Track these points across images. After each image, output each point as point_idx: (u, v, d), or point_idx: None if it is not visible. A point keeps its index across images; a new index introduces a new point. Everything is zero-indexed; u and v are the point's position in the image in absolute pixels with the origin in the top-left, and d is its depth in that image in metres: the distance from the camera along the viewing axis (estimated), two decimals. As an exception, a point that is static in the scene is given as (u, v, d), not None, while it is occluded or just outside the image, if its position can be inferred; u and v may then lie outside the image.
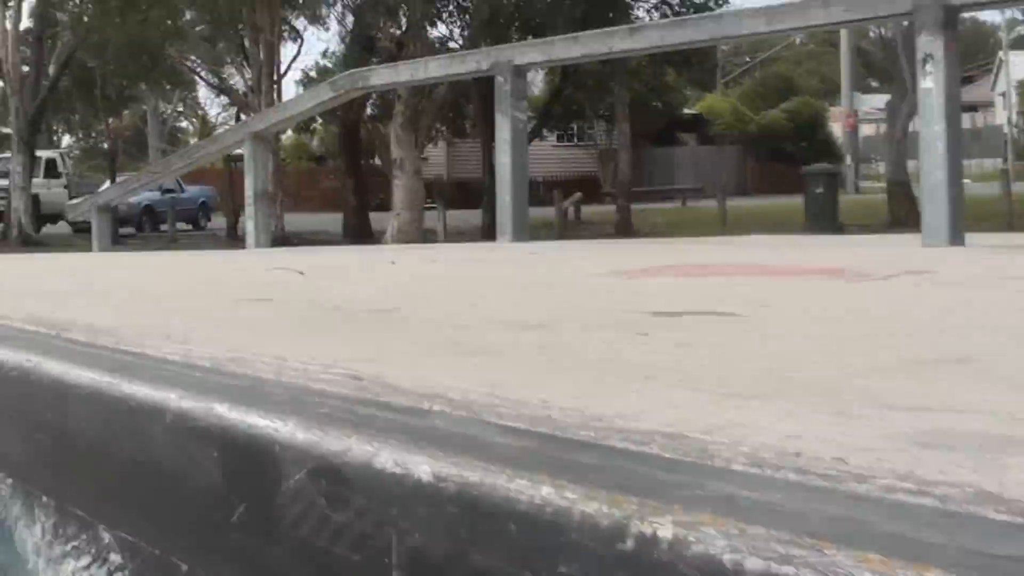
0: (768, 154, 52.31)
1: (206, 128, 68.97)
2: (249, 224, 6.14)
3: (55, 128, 52.03)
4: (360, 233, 28.77)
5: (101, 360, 1.59)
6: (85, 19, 29.32)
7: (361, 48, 28.75)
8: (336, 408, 1.15)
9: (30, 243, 28.62)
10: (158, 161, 8.28)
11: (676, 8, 30.39)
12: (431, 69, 5.69)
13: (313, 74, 38.66)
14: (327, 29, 34.55)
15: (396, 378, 1.36)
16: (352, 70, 6.94)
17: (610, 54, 5.34)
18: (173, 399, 1.27)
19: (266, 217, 6.20)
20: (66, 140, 60.80)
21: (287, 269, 2.84)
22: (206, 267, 3.85)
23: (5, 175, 32.84)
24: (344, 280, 2.87)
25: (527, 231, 4.86)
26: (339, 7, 32.13)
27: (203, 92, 55.17)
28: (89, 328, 2.01)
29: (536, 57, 5.16)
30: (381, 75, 6.54)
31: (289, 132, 34.27)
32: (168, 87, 40.21)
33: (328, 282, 2.74)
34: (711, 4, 30.20)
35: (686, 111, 53.60)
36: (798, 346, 1.81)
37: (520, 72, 4.79)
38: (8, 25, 29.85)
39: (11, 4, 30.13)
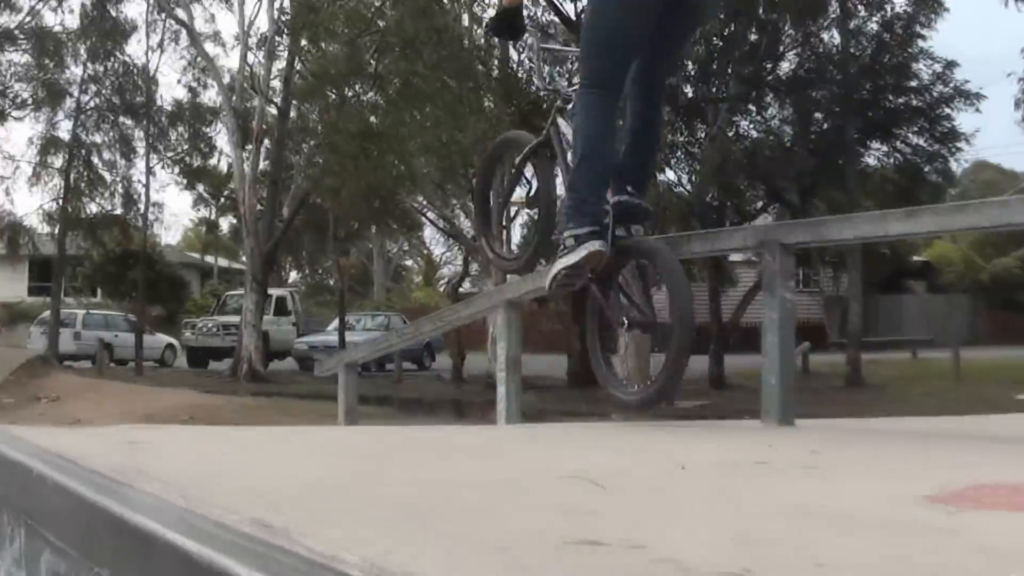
0: (1000, 303, 50.62)
1: (431, 268, 71.46)
2: (501, 389, 6.20)
3: (283, 264, 54.55)
4: (585, 380, 28.85)
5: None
6: (319, 163, 30.87)
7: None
8: None
9: (258, 379, 29.92)
10: (413, 324, 8.50)
11: (908, 156, 30.04)
12: (695, 245, 5.66)
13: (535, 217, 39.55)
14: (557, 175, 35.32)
15: None
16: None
17: (885, 237, 5.25)
18: None
19: (517, 386, 6.23)
20: (292, 276, 63.71)
21: (582, 479, 2.52)
22: (480, 457, 3.72)
23: (237, 312, 34.63)
24: (658, 507, 2.43)
25: (792, 414, 4.73)
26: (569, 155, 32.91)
27: (428, 231, 57.14)
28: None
29: (805, 237, 5.10)
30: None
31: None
32: (397, 229, 41.76)
33: (642, 511, 2.32)
34: (943, 152, 29.77)
35: (915, 258, 52.59)
36: None
37: (788, 251, 4.77)
38: (246, 168, 31.75)
39: (249, 148, 32.07)
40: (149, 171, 39.88)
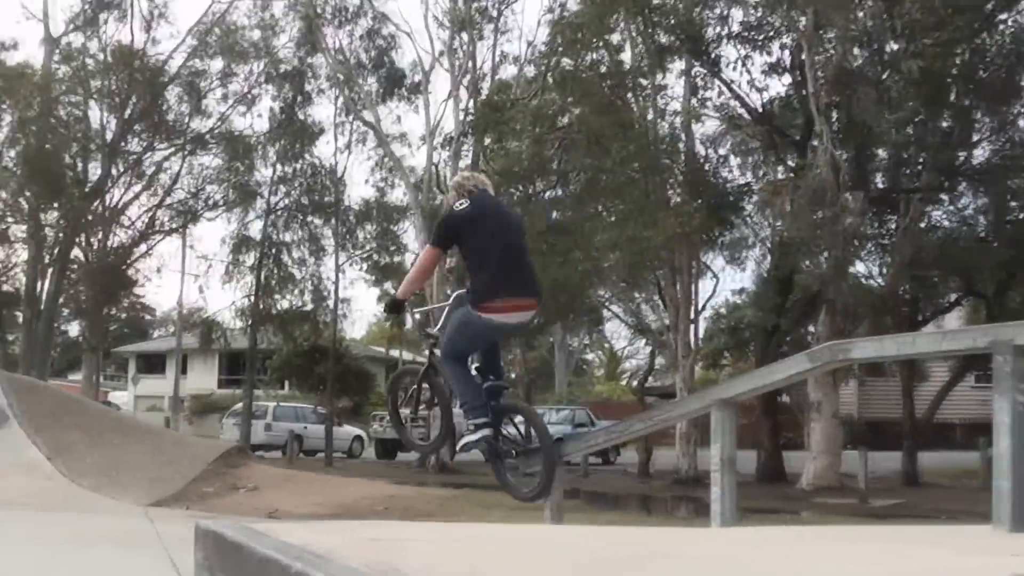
0: None
1: (614, 361, 71.70)
2: (715, 490, 6.46)
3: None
4: (774, 475, 28.79)
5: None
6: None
7: (776, 289, 29.42)
8: None
9: (446, 470, 30.77)
10: (623, 422, 8.79)
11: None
12: (920, 345, 5.79)
13: (723, 311, 39.70)
14: (743, 269, 35.44)
15: None
16: (832, 342, 7.07)
17: None
18: None
19: (732, 486, 6.54)
20: (475, 369, 64.64)
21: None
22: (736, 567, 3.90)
23: (426, 405, 35.60)
24: None
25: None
26: (758, 249, 33.15)
27: (609, 326, 57.48)
28: None
29: (1042, 338, 4.95)
30: (864, 348, 6.54)
31: (697, 368, 34.99)
32: (586, 324, 42.18)
33: None
34: None
35: None
36: None
37: (1022, 352, 4.81)
38: (437, 264, 32.85)
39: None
40: (338, 268, 41.47)
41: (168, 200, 44.44)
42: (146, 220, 44.37)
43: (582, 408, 42.57)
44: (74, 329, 58.27)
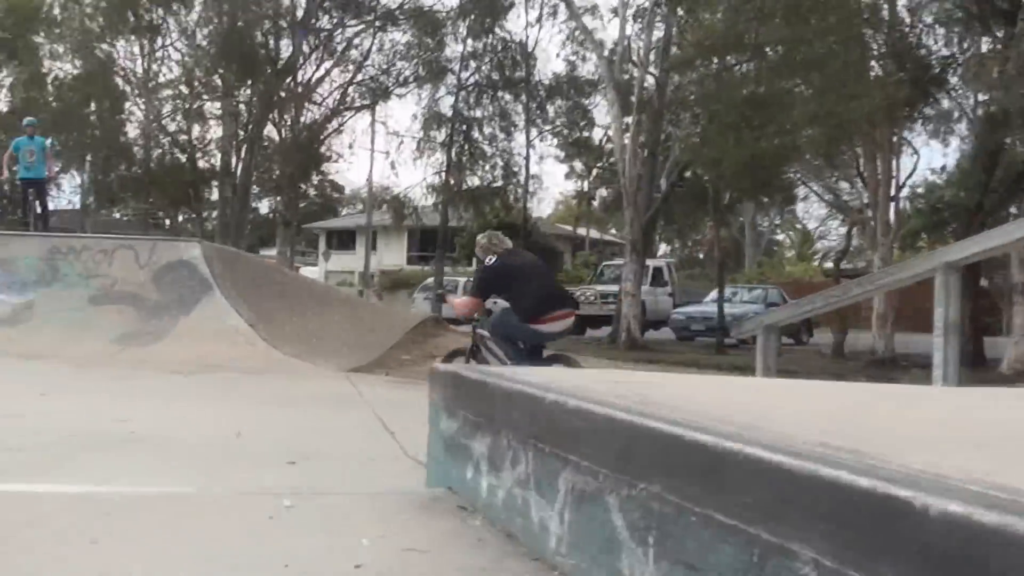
0: None
1: (806, 241, 70.58)
2: (937, 356, 6.49)
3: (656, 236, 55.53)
4: (973, 361, 28.20)
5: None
6: (698, 134, 31.42)
7: (981, 166, 28.48)
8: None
9: (636, 347, 30.98)
10: (836, 287, 8.83)
11: None
12: None
13: (920, 190, 38.62)
14: (947, 145, 34.38)
15: None
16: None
17: None
18: None
19: (955, 351, 6.56)
20: (662, 249, 64.70)
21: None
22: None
23: (614, 281, 35.91)
24: None
25: None
26: (964, 124, 32.07)
27: (801, 206, 56.57)
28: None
29: None
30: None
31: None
32: (774, 202, 41.71)
33: None
34: None
35: None
36: None
37: None
38: (627, 141, 32.79)
39: (629, 120, 33.08)
40: (529, 144, 41.75)
41: (359, 77, 45.24)
42: (337, 97, 45.35)
43: (774, 287, 42.33)
44: (264, 206, 60.33)
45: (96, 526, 3.45)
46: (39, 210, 21.37)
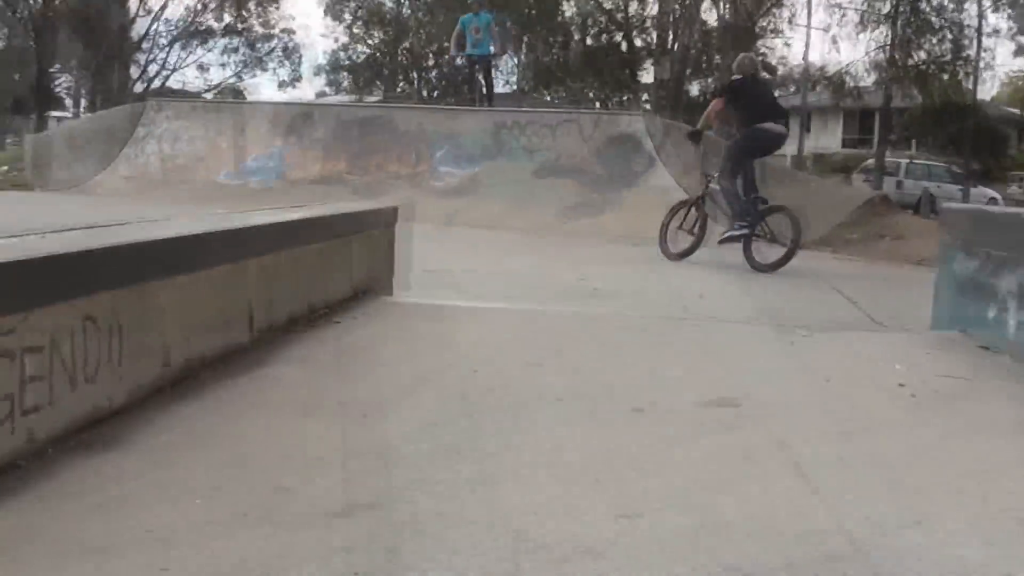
0: None
1: None
2: None
3: None
4: None
5: None
6: None
7: None
8: None
9: None
10: None
11: None
12: None
13: None
14: None
15: None
16: None
17: None
18: None
19: None
20: None
21: None
22: None
23: None
24: None
25: None
26: None
27: None
28: None
29: None
30: None
31: None
32: None
33: None
34: None
35: None
36: None
37: None
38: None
39: None
40: (980, 15, 39.05)
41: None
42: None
43: None
44: (695, 88, 59.81)
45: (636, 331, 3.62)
46: (484, 86, 22.14)
